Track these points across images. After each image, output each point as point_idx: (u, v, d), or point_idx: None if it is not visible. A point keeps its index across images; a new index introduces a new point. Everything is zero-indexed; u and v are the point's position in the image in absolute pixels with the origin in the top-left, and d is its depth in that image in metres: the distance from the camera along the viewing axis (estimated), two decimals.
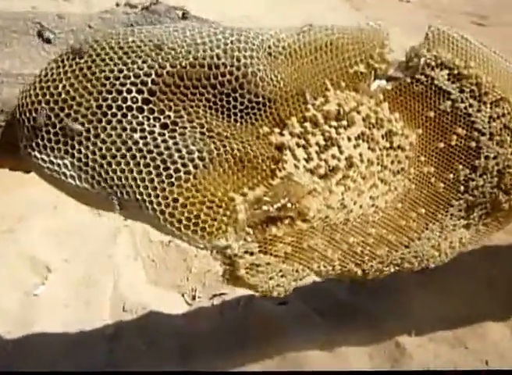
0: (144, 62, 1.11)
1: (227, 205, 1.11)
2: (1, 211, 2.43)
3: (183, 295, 2.13)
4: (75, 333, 1.94)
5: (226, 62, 1.15)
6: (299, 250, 1.23)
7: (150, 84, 1.11)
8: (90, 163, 1.10)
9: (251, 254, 1.17)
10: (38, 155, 1.12)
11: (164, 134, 1.10)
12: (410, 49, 1.36)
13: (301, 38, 1.27)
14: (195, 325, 1.98)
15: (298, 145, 1.22)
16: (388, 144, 1.31)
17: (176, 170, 1.09)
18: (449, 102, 1.34)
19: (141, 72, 1.11)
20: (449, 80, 1.35)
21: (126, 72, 1.10)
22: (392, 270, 1.42)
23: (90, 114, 1.10)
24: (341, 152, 1.25)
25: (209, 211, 1.09)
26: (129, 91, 1.10)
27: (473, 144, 1.37)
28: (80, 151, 1.10)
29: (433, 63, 1.34)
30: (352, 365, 1.84)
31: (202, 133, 1.12)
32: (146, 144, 1.09)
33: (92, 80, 1.11)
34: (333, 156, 1.24)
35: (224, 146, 1.13)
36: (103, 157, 1.09)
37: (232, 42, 1.17)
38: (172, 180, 1.08)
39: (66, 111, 1.11)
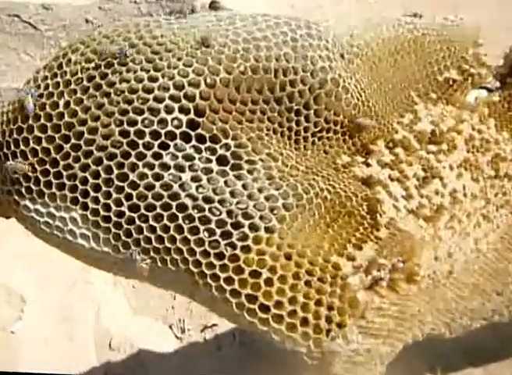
0: (186, 65, 0.69)
1: (333, 276, 0.68)
2: None
3: (170, 327, 1.79)
4: None
5: (297, 65, 0.74)
6: (401, 322, 0.82)
7: (198, 99, 0.68)
8: (114, 218, 0.66)
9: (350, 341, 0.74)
10: (31, 206, 0.69)
11: (227, 173, 0.67)
12: (510, 50, 0.97)
13: (379, 34, 0.87)
14: (192, 364, 1.71)
15: (392, 179, 0.82)
16: (493, 173, 0.93)
17: (253, 227, 0.66)
18: None
19: (185, 80, 0.68)
20: None
21: (162, 80, 0.67)
22: (479, 326, 1.03)
23: (111, 145, 0.67)
24: (444, 186, 0.86)
25: (310, 289, 0.66)
26: (169, 110, 0.67)
27: None
28: (96, 201, 0.67)
29: None
30: None
31: (280, 170, 0.69)
32: (201, 189, 0.65)
33: (111, 93, 0.67)
34: (436, 191, 0.85)
35: (312, 186, 0.70)
36: (133, 208, 0.66)
37: (302, 37, 0.76)
38: (249, 242, 0.65)
39: (73, 141, 0.67)
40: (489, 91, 0.96)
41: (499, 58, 0.99)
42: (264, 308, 0.65)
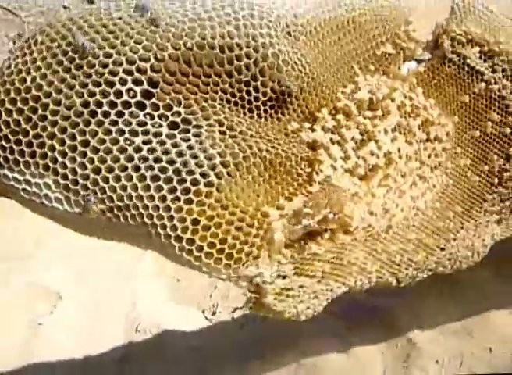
0: (137, 42, 0.75)
1: (260, 222, 0.76)
2: (18, 236, 2.02)
3: (203, 312, 1.79)
4: (81, 359, 1.65)
5: (241, 41, 0.79)
6: (338, 267, 0.89)
7: (149, 72, 0.74)
8: (81, 180, 0.72)
9: (284, 277, 0.83)
10: (9, 174, 0.74)
11: (174, 136, 0.74)
12: (436, 25, 1.03)
13: (321, 15, 0.92)
14: (212, 342, 1.68)
15: (333, 142, 0.88)
16: (425, 136, 0.98)
17: (194, 182, 0.73)
18: (482, 84, 1.03)
19: (136, 56, 0.74)
20: (480, 58, 1.04)
21: (116, 56, 0.73)
22: (425, 276, 1.09)
23: (74, 115, 0.72)
24: (379, 148, 0.92)
25: (238, 233, 0.74)
26: (123, 82, 0.73)
27: (508, 130, 1.06)
28: (64, 166, 0.73)
29: (464, 40, 1.03)
30: (366, 364, 1.54)
31: (222, 133, 0.76)
32: (152, 151, 0.72)
33: (71, 69, 0.73)
34: (371, 153, 0.91)
35: (250, 147, 0.77)
36: (96, 171, 0.72)
37: (244, 17, 0.82)
38: (190, 195, 0.72)
39: (40, 112, 0.72)
40: (421, 62, 1.01)
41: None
42: (199, 248, 0.72)
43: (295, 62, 0.86)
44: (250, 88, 0.82)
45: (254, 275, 0.77)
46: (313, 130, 0.89)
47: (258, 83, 0.83)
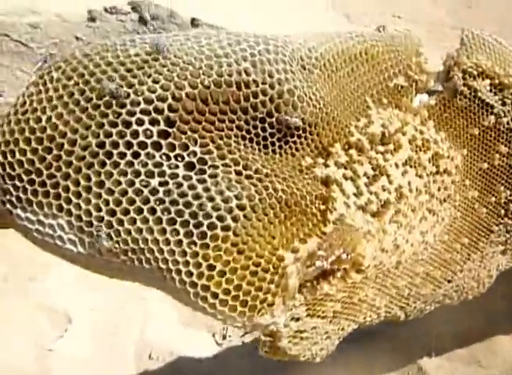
0: (155, 81, 0.73)
1: (275, 267, 0.74)
2: (27, 257, 1.94)
3: (213, 335, 1.74)
4: None
5: (257, 78, 0.78)
6: (349, 305, 0.88)
7: (167, 111, 0.72)
8: (95, 222, 0.70)
9: (297, 320, 0.82)
10: (22, 214, 0.72)
11: (191, 178, 0.72)
12: (447, 57, 1.01)
13: (333, 47, 0.91)
14: (225, 368, 1.64)
15: (346, 177, 0.87)
16: (434, 169, 0.97)
17: (211, 226, 0.71)
18: (492, 117, 1.03)
19: (153, 95, 0.72)
20: (491, 91, 1.02)
21: (133, 96, 0.71)
22: (433, 308, 1.09)
23: (89, 155, 0.70)
24: (390, 182, 0.90)
25: (253, 278, 0.72)
26: (140, 122, 0.71)
27: None
28: (78, 207, 0.71)
29: (475, 72, 1.02)
30: None
31: (238, 173, 0.74)
32: (168, 193, 0.70)
33: (88, 108, 0.70)
34: (383, 188, 0.90)
35: (266, 188, 0.75)
36: (111, 213, 0.70)
37: (260, 53, 0.80)
38: (207, 240, 0.70)
39: (55, 152, 0.70)
40: (434, 94, 1.00)
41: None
42: (214, 295, 0.70)
43: (310, 98, 0.84)
44: (266, 125, 0.80)
45: (269, 323, 0.75)
46: (326, 166, 0.87)
47: (274, 119, 0.81)
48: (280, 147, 0.82)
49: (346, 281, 0.83)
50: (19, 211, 0.72)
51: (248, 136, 0.79)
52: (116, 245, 0.70)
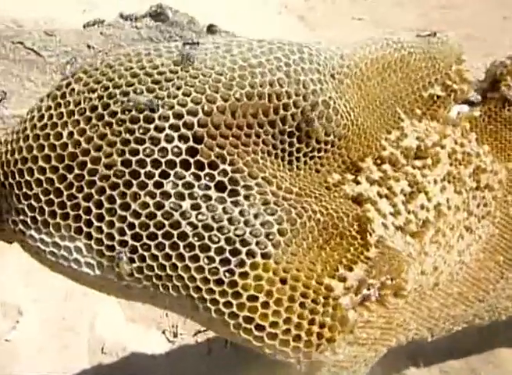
0: (185, 94, 0.66)
1: (326, 298, 0.67)
2: None
3: (163, 332, 1.70)
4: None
5: (290, 89, 0.71)
6: (387, 331, 0.81)
7: (196, 127, 0.65)
8: (117, 247, 0.63)
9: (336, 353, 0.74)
10: (36, 236, 0.65)
11: (224, 200, 0.65)
12: (495, 65, 0.94)
13: (368, 54, 0.84)
14: (181, 366, 1.60)
15: (380, 195, 0.80)
16: (475, 184, 0.91)
17: (250, 254, 0.64)
18: None
19: (184, 109, 0.65)
20: None
21: (162, 110, 0.64)
22: (460, 328, 1.02)
23: (114, 175, 0.64)
24: (429, 200, 0.84)
25: (303, 310, 0.65)
26: (169, 139, 0.64)
27: None
28: (100, 230, 0.64)
29: None
30: None
31: (274, 194, 0.67)
32: (201, 217, 0.63)
33: (112, 124, 0.64)
34: (422, 206, 0.83)
35: (306, 210, 0.68)
36: (136, 238, 0.64)
37: (295, 62, 0.73)
38: (246, 269, 0.63)
39: (76, 171, 0.63)
40: (472, 104, 0.94)
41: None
42: (260, 328, 0.63)
43: (343, 110, 0.78)
44: (294, 139, 0.74)
45: (331, 360, 0.68)
46: (357, 183, 0.80)
47: (303, 133, 0.74)
48: (305, 163, 0.76)
49: (387, 307, 0.77)
50: (32, 232, 0.66)
51: (274, 151, 0.73)
52: (139, 271, 0.64)
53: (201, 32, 0.84)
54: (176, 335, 1.67)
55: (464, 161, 0.89)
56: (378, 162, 0.83)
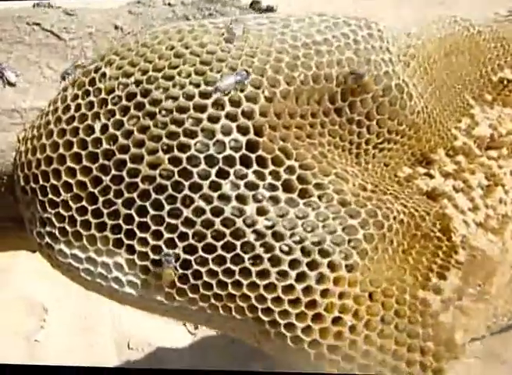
0: (243, 77, 0.51)
1: (424, 316, 0.53)
2: None
3: (184, 324, 1.64)
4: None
5: (360, 71, 0.57)
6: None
7: (258, 116, 0.50)
8: (166, 263, 0.49)
9: None
10: (67, 251, 0.52)
11: (295, 202, 0.51)
12: None
13: (436, 32, 0.70)
14: (204, 356, 1.58)
15: (456, 190, 0.67)
16: None
17: (333, 266, 0.50)
18: None
19: (242, 95, 0.50)
20: None
21: (215, 96, 0.50)
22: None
23: (160, 176, 0.49)
24: (506, 192, 0.70)
25: (400, 334, 0.50)
26: (226, 130, 0.50)
27: None
28: (144, 243, 0.50)
29: None
30: None
31: (354, 194, 0.53)
32: (269, 224, 0.49)
33: (156, 114, 0.50)
34: (500, 200, 0.69)
35: (390, 210, 0.54)
36: (190, 251, 0.49)
37: (364, 39, 0.59)
38: (329, 285, 0.49)
39: (114, 172, 0.49)
40: None
41: None
42: (349, 359, 0.50)
43: (416, 95, 0.64)
44: (363, 129, 0.60)
45: None
46: (430, 176, 0.67)
47: (374, 122, 0.61)
48: (374, 156, 0.62)
49: (469, 315, 0.63)
50: (62, 246, 0.52)
51: (341, 143, 0.59)
52: (194, 290, 0.50)
53: (246, 9, 0.70)
54: (196, 326, 1.60)
55: None
56: (451, 153, 0.70)
